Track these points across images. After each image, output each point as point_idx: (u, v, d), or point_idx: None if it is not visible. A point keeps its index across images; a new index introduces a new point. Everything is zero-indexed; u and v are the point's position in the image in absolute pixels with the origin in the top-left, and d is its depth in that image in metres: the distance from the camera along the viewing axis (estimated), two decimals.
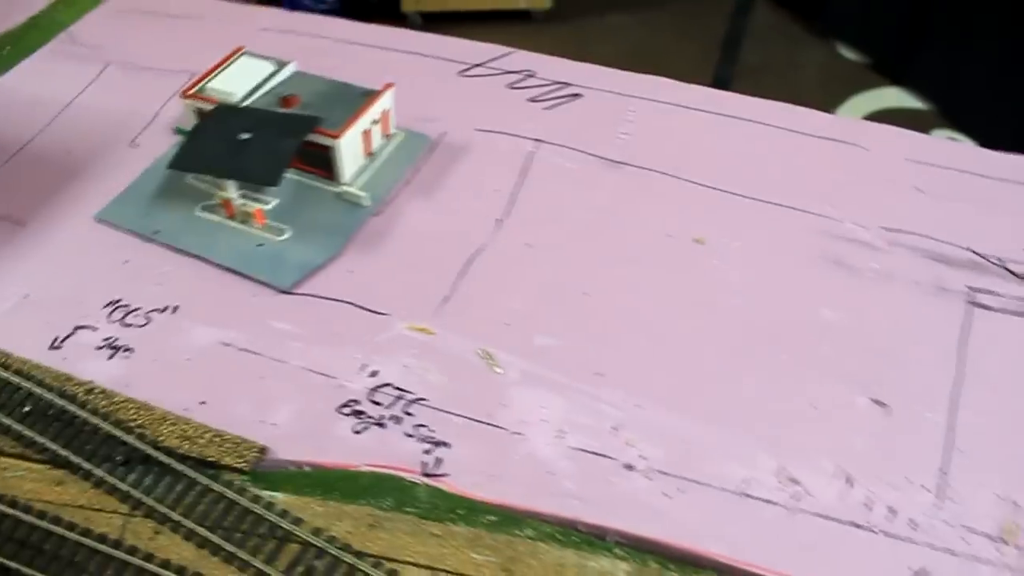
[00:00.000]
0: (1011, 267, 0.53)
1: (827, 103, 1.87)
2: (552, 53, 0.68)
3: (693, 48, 2.07)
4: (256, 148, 0.51)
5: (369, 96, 0.57)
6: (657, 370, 0.47)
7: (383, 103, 0.57)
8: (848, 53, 2.12)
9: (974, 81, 1.86)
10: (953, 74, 1.91)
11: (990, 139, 0.74)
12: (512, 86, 0.64)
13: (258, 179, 0.51)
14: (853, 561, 0.41)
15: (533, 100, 0.63)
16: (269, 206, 0.54)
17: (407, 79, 0.61)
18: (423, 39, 0.69)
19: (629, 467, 0.43)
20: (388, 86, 0.58)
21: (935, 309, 0.51)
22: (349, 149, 0.55)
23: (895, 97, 1.94)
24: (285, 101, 0.56)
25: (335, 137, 0.54)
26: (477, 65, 0.66)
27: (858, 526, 0.42)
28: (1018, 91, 1.78)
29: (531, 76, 0.65)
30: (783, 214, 0.56)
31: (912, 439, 0.45)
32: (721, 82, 2.02)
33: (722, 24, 2.14)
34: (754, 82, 2.09)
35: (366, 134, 0.57)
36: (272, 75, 0.58)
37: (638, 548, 0.41)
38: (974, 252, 0.54)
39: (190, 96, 0.56)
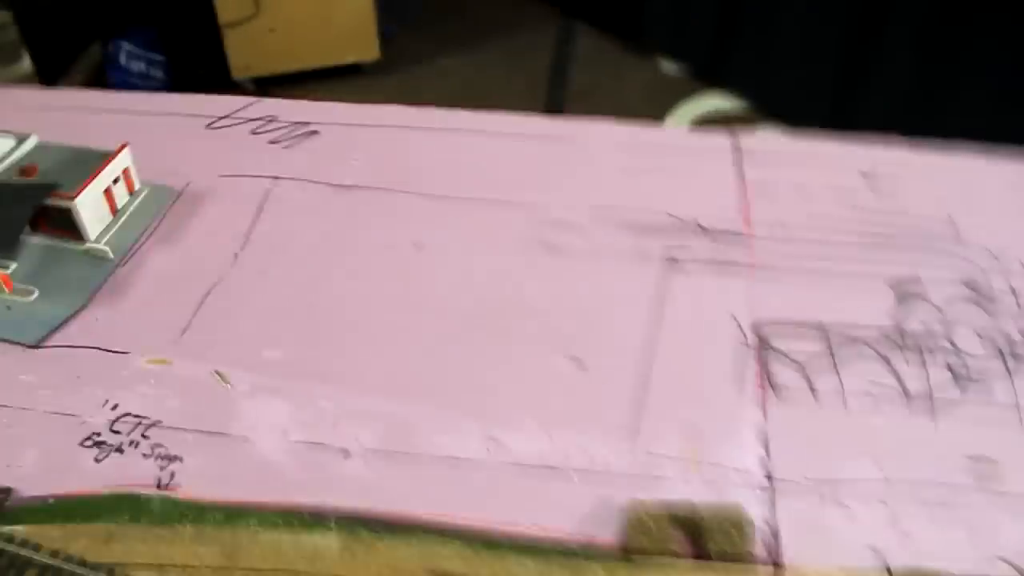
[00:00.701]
0: (702, 224, 0.60)
1: (656, 114, 1.99)
2: (385, 102, 0.73)
3: (522, 81, 2.16)
4: None
5: (106, 157, 0.61)
6: (375, 366, 0.53)
7: (120, 162, 0.62)
8: (671, 65, 2.23)
9: (785, 74, 1.99)
10: (766, 71, 2.03)
11: (806, 124, 0.82)
12: (254, 132, 0.69)
13: None
14: (557, 502, 0.46)
15: (273, 142, 0.68)
16: (10, 270, 0.57)
17: (157, 137, 0.65)
18: (177, 99, 0.74)
19: (346, 452, 0.48)
20: (123, 146, 0.62)
21: (635, 273, 0.58)
22: (89, 208, 0.59)
23: (718, 101, 2.06)
24: (23, 172, 0.60)
25: (72, 199, 0.58)
26: (224, 117, 0.71)
27: (559, 470, 0.47)
28: (823, 76, 1.91)
29: (272, 120, 0.70)
30: (498, 211, 0.62)
31: (611, 391, 0.51)
32: (552, 110, 2.12)
33: (549, 56, 2.24)
34: (585, 105, 2.19)
35: (107, 192, 0.61)
36: (11, 150, 0.62)
37: (353, 522, 0.45)
38: (669, 216, 0.61)
39: None
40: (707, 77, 2.15)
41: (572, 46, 2.23)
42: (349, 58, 2.06)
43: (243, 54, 1.96)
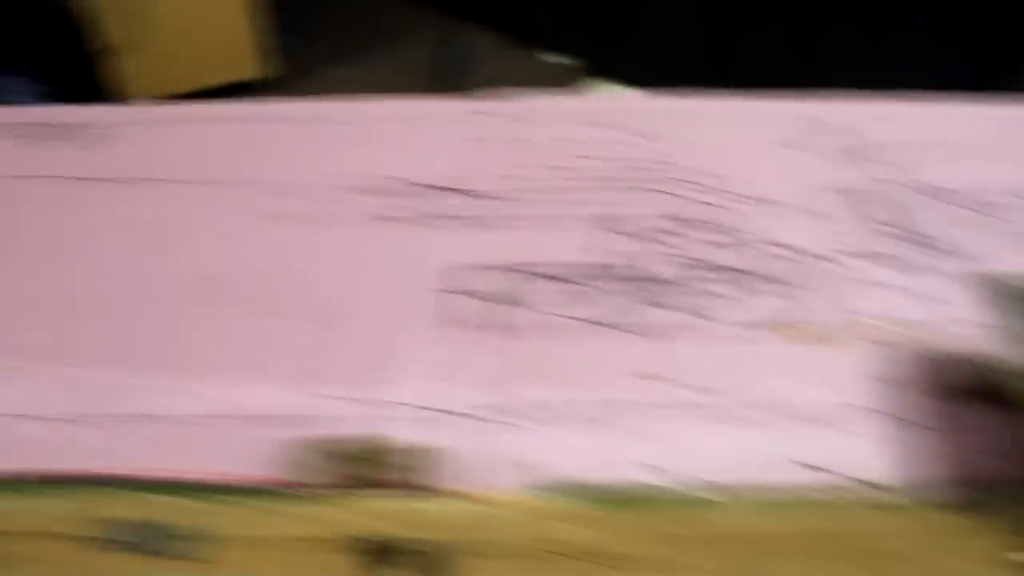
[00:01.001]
0: (422, 183, 0.63)
1: None
2: None
3: (421, 86, 2.19)
4: None
5: None
6: (103, 341, 0.55)
7: None
8: (563, 61, 2.27)
9: (669, 66, 2.05)
10: (653, 63, 2.09)
11: None
12: (52, 137, 0.72)
13: None
14: (241, 447, 0.48)
15: (74, 147, 0.71)
16: None
17: None
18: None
19: (72, 421, 0.51)
20: None
21: (347, 234, 0.60)
22: None
23: (612, 92, 2.09)
24: None
25: None
26: (24, 124, 0.73)
27: (244, 417, 0.50)
28: (697, 61, 1.96)
29: (68, 127, 0.72)
30: (233, 189, 0.65)
31: (302, 342, 0.53)
32: None
33: (443, 59, 2.27)
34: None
35: None
36: None
37: (88, 483, 0.48)
38: (389, 178, 0.64)
39: None
40: (600, 71, 2.19)
41: (464, 47, 2.26)
42: (241, 76, 2.09)
43: (133, 79, 1.98)
